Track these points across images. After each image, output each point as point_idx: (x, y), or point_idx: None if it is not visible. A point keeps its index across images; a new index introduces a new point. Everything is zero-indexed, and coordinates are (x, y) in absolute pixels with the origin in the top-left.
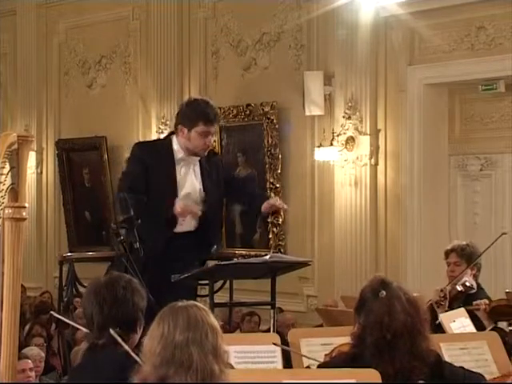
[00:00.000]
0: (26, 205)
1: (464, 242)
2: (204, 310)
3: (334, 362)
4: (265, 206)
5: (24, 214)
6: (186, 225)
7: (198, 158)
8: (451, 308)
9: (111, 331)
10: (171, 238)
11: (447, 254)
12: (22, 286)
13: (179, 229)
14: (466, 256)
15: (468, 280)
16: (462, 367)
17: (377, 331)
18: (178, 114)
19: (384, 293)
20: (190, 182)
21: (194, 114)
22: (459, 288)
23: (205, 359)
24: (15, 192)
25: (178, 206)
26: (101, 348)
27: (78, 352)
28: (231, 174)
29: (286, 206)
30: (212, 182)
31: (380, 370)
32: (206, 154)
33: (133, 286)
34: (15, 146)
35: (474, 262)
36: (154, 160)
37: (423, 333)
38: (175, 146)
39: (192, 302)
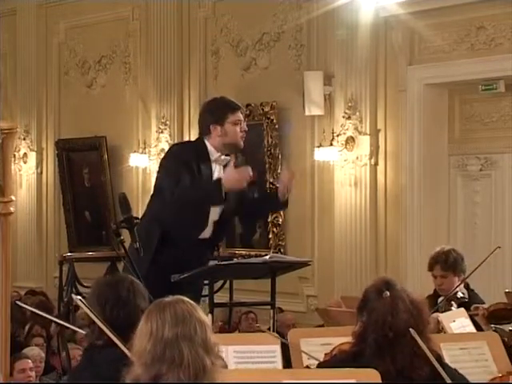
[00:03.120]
0: (13, 198)
1: (446, 248)
2: (190, 304)
3: (334, 360)
4: (281, 192)
5: (11, 208)
6: (206, 232)
7: (226, 162)
8: None
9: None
10: (192, 243)
11: (431, 266)
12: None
13: (200, 235)
14: (452, 267)
15: (459, 290)
16: (455, 369)
17: (379, 330)
18: (202, 116)
19: (388, 293)
20: None
21: (219, 108)
22: (454, 309)
23: (196, 354)
24: (1, 187)
25: (236, 172)
26: (99, 349)
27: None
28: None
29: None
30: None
31: (381, 369)
32: (242, 143)
33: (135, 287)
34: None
35: (461, 271)
36: (195, 161)
37: (425, 334)
38: (209, 147)
39: (178, 296)
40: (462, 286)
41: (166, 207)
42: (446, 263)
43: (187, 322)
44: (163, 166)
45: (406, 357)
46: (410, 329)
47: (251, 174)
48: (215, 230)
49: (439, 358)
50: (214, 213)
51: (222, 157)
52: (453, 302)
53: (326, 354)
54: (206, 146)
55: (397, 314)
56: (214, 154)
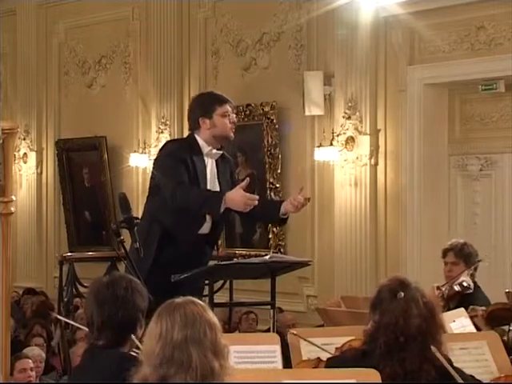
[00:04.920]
0: (13, 198)
1: (462, 241)
2: (201, 306)
3: (343, 356)
4: (287, 209)
5: (12, 208)
6: (205, 228)
7: (218, 156)
8: (448, 308)
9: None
10: (192, 240)
11: (445, 253)
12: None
13: (200, 230)
14: (464, 256)
15: (465, 280)
16: (471, 375)
17: (390, 332)
18: (191, 112)
19: (402, 294)
20: (214, 178)
21: (206, 101)
22: (457, 288)
23: (204, 357)
24: (1, 187)
25: (242, 197)
26: (100, 349)
27: (77, 351)
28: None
29: (306, 198)
30: (224, 182)
31: (389, 370)
32: (232, 135)
33: (134, 286)
34: (0, 141)
35: (472, 264)
36: (189, 156)
37: (436, 338)
38: (200, 141)
39: (189, 298)
40: (469, 278)
41: (166, 206)
42: (461, 251)
43: (197, 325)
44: (160, 165)
45: (415, 360)
46: (432, 346)
47: (257, 203)
48: (214, 225)
49: (450, 362)
50: None
51: (214, 151)
52: (457, 286)
53: (336, 349)
54: (196, 140)
55: (409, 318)
56: (205, 148)
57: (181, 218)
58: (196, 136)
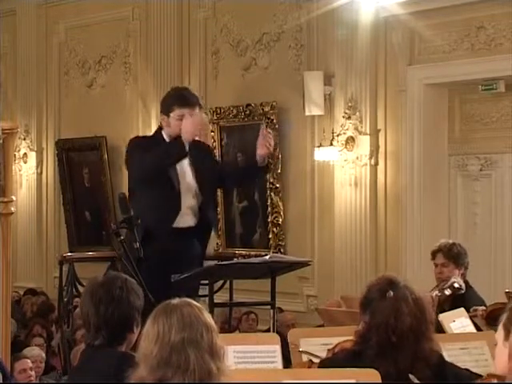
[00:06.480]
0: (13, 198)
1: (450, 241)
2: (197, 308)
3: (336, 357)
4: (260, 154)
5: (12, 208)
6: (187, 220)
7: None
8: (443, 310)
9: (410, 376)
10: (175, 234)
11: (434, 254)
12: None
13: (181, 223)
14: (454, 257)
15: (456, 281)
16: (467, 369)
17: (382, 332)
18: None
19: (391, 293)
20: (187, 172)
21: (168, 99)
22: (448, 292)
23: (201, 360)
24: (1, 187)
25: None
26: (96, 349)
27: (78, 352)
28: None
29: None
30: (203, 170)
31: (382, 370)
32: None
33: (129, 285)
34: (0, 141)
35: (462, 264)
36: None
37: (427, 334)
38: (166, 137)
39: (185, 299)
40: (460, 278)
41: (139, 204)
42: (449, 252)
43: (194, 327)
44: (128, 157)
45: (408, 359)
46: (410, 375)
47: (205, 120)
48: (201, 217)
49: (441, 358)
50: (188, 197)
51: None
52: (448, 290)
53: (328, 350)
54: (163, 136)
55: (400, 317)
56: None
57: (155, 211)
58: (162, 132)
